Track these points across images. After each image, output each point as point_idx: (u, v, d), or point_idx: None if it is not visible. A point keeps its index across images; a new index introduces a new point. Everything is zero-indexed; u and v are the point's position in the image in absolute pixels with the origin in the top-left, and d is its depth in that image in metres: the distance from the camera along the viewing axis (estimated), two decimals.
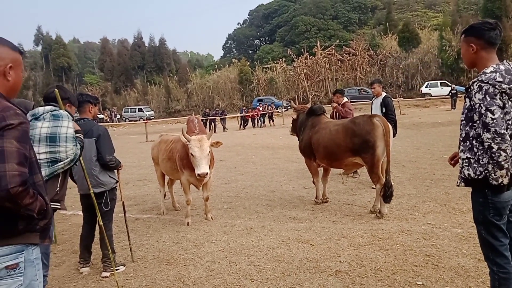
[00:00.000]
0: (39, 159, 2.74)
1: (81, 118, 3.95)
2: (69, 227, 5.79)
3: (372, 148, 5.12)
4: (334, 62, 41.70)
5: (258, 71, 45.33)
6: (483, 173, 2.28)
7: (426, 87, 33.84)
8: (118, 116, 43.98)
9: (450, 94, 27.09)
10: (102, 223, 3.74)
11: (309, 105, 6.85)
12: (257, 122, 27.33)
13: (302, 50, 44.99)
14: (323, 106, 7.00)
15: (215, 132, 5.69)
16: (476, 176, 2.31)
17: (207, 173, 4.87)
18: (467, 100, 2.36)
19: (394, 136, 5.98)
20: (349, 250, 4.15)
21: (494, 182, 2.23)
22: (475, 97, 2.26)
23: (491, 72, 2.26)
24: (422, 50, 38.27)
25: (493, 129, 2.16)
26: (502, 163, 2.17)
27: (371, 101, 7.44)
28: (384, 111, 6.68)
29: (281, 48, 54.57)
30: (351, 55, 41.49)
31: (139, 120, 38.10)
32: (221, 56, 71.87)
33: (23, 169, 1.64)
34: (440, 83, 33.42)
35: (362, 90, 35.12)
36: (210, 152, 5.00)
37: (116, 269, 3.85)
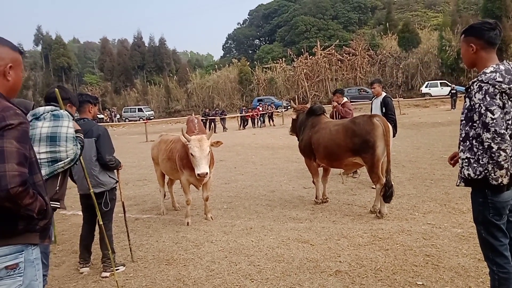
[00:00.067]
0: (40, 159, 2.74)
1: (81, 118, 3.95)
2: (69, 227, 5.79)
3: (372, 148, 5.12)
4: (334, 62, 41.70)
5: (258, 71, 45.33)
6: (483, 173, 2.28)
7: (426, 87, 33.84)
8: (118, 116, 43.98)
9: (450, 94, 27.09)
10: (102, 223, 3.74)
11: (308, 105, 6.86)
12: (257, 122, 27.34)
13: (302, 50, 44.99)
14: (323, 106, 7.00)
15: (215, 132, 5.69)
16: (476, 176, 2.31)
17: (207, 173, 4.87)
18: (467, 100, 2.36)
19: (394, 136, 5.98)
20: (349, 250, 4.15)
21: (494, 182, 2.23)
22: (475, 97, 2.26)
23: (491, 72, 2.26)
24: (422, 50, 38.27)
25: (493, 129, 2.16)
26: (502, 163, 2.17)
27: (371, 101, 7.44)
28: (384, 111, 6.68)
29: (281, 48, 54.55)
30: (351, 55, 41.48)
31: (139, 120, 38.09)
32: (221, 56, 71.93)
33: (23, 169, 1.64)
34: (440, 83, 33.42)
35: (362, 90, 35.12)
36: (210, 152, 5.00)
37: (116, 269, 3.85)
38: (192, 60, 76.20)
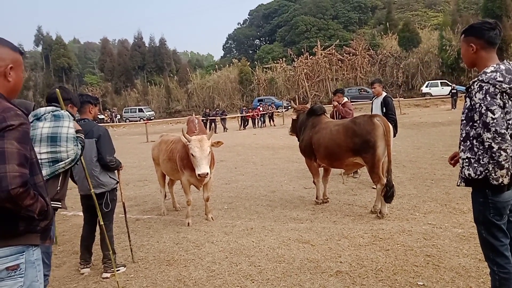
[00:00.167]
0: (40, 159, 2.75)
1: (82, 118, 3.96)
2: (70, 228, 5.79)
3: (373, 148, 5.12)
4: (334, 62, 41.70)
5: (258, 71, 45.33)
6: (484, 173, 2.28)
7: (426, 86, 33.83)
8: (119, 116, 44.00)
9: (450, 93, 27.08)
10: (102, 223, 3.74)
11: (308, 105, 6.85)
12: (258, 122, 27.33)
13: (302, 50, 44.99)
14: (324, 106, 6.99)
15: (215, 132, 5.69)
16: (477, 176, 2.31)
17: (207, 173, 4.87)
18: (468, 99, 2.36)
19: (394, 136, 5.98)
20: (349, 250, 4.14)
21: (495, 182, 2.23)
22: (476, 97, 2.25)
23: (492, 71, 2.25)
24: (422, 49, 38.25)
25: (493, 129, 2.16)
26: (503, 163, 2.17)
27: (371, 101, 7.44)
28: (384, 111, 6.68)
29: (281, 48, 54.54)
30: (351, 55, 41.47)
31: (140, 121, 38.10)
32: (221, 56, 71.89)
33: (24, 170, 1.64)
34: (441, 82, 33.41)
35: (362, 90, 35.11)
36: (210, 152, 5.00)
37: (117, 270, 3.85)
38: (193, 60, 76.22)
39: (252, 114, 27.49)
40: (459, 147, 2.45)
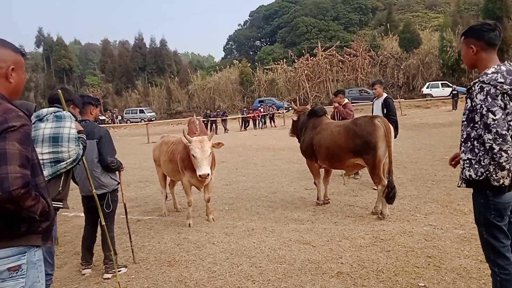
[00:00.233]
0: (42, 159, 2.76)
1: (83, 119, 3.96)
2: (71, 228, 5.80)
3: (374, 149, 5.12)
4: (335, 63, 41.70)
5: (259, 72, 45.34)
6: (485, 174, 2.28)
7: (427, 87, 33.83)
8: (120, 117, 44.03)
9: (451, 94, 27.07)
10: (104, 223, 3.74)
11: (308, 106, 6.86)
12: (258, 123, 27.35)
13: (303, 51, 44.99)
14: (324, 107, 6.99)
15: (216, 133, 5.70)
16: (478, 177, 2.31)
17: (208, 174, 4.88)
18: (468, 101, 2.36)
19: (395, 137, 5.98)
20: (350, 251, 4.14)
21: (496, 183, 2.23)
22: (477, 98, 2.25)
23: (493, 73, 2.26)
24: (423, 50, 38.24)
25: (494, 130, 2.16)
26: (504, 164, 2.17)
27: (372, 102, 7.44)
28: (385, 112, 6.68)
29: (282, 49, 54.54)
30: (352, 56, 41.48)
31: (141, 122, 38.09)
32: (222, 57, 71.78)
33: (25, 171, 1.64)
34: (441, 83, 33.40)
35: (363, 91, 35.10)
36: (211, 153, 5.00)
37: (118, 271, 3.86)
38: (193, 62, 76.28)
39: (253, 115, 27.50)
40: (460, 148, 2.45)
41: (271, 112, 28.17)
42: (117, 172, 4.16)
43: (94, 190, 3.61)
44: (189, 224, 5.45)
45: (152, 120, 38.00)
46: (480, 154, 2.30)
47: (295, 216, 5.57)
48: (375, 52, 40.99)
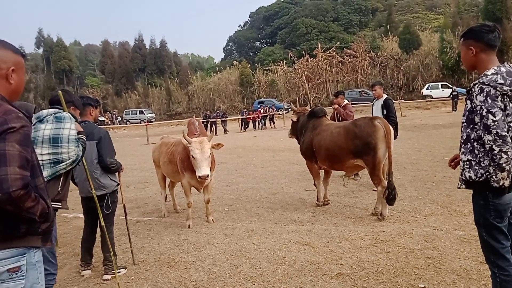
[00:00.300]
0: (42, 160, 2.77)
1: (82, 120, 3.96)
2: (70, 229, 5.79)
3: (374, 150, 5.12)
4: (335, 64, 41.73)
5: (259, 73, 45.37)
6: (484, 175, 2.28)
7: (427, 89, 33.83)
8: (119, 118, 44.03)
9: (451, 96, 27.07)
10: (103, 225, 3.74)
11: (308, 108, 6.85)
12: (258, 124, 27.35)
13: (303, 52, 45.04)
14: (324, 108, 6.99)
15: (216, 134, 5.70)
16: (477, 178, 2.31)
17: (208, 175, 4.87)
18: (468, 102, 2.36)
19: (395, 138, 5.98)
20: (350, 252, 4.14)
21: (495, 184, 2.23)
22: (476, 99, 2.25)
23: (492, 74, 2.26)
24: (423, 52, 38.31)
25: (494, 131, 2.16)
26: (504, 165, 2.17)
27: (372, 103, 7.44)
28: (385, 113, 6.69)
29: (282, 50, 54.57)
30: (352, 57, 41.51)
31: (140, 123, 38.10)
32: (222, 58, 71.80)
33: (25, 173, 1.64)
34: (441, 85, 33.40)
35: (363, 92, 35.11)
36: (211, 154, 5.00)
37: (118, 272, 3.85)
38: (193, 63, 76.33)
39: (252, 116, 27.51)
40: (460, 149, 2.45)
41: (271, 113, 28.18)
42: (116, 173, 4.16)
43: (94, 191, 3.61)
44: (189, 225, 5.45)
45: (152, 121, 37.99)
46: (480, 155, 2.30)
47: (295, 217, 5.57)
48: (375, 53, 41.03)
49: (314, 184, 6.17)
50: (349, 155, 5.38)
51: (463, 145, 2.42)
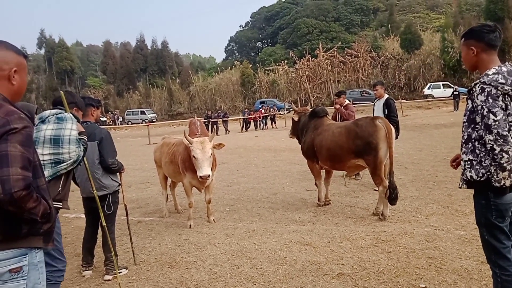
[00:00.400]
0: (43, 160, 2.77)
1: (84, 121, 3.97)
2: (72, 230, 5.80)
3: (375, 150, 5.12)
4: (336, 64, 41.72)
5: (260, 74, 45.39)
6: (486, 175, 2.28)
7: (428, 88, 33.81)
8: (121, 119, 44.09)
9: (452, 95, 27.03)
10: (105, 225, 3.75)
11: (309, 108, 6.85)
12: (259, 124, 27.34)
13: (304, 52, 44.99)
14: (326, 108, 6.98)
15: (217, 135, 5.71)
16: (479, 178, 2.31)
17: (209, 175, 4.87)
18: (469, 102, 2.36)
19: (396, 138, 5.97)
20: (351, 252, 4.14)
21: (497, 184, 2.23)
22: (477, 99, 2.25)
23: (493, 73, 2.26)
24: (424, 51, 38.24)
25: (495, 131, 2.16)
26: (505, 165, 2.17)
27: (373, 103, 7.44)
28: (386, 113, 6.68)
29: (283, 50, 54.59)
30: (353, 57, 41.49)
31: (142, 123, 38.13)
32: (223, 59, 71.86)
33: (27, 173, 1.64)
34: (443, 84, 33.38)
35: (364, 92, 35.09)
36: (212, 154, 5.01)
37: (119, 272, 3.86)
38: (195, 63, 76.26)
39: (254, 116, 27.51)
40: (461, 149, 2.45)
41: (272, 113, 28.17)
42: (118, 174, 4.16)
43: (95, 192, 3.62)
44: (190, 225, 5.46)
45: (153, 122, 38.03)
46: (481, 155, 2.30)
47: (296, 217, 5.57)
48: (376, 53, 40.99)
49: (315, 184, 6.17)
50: (351, 155, 5.38)
51: (464, 144, 2.42)
